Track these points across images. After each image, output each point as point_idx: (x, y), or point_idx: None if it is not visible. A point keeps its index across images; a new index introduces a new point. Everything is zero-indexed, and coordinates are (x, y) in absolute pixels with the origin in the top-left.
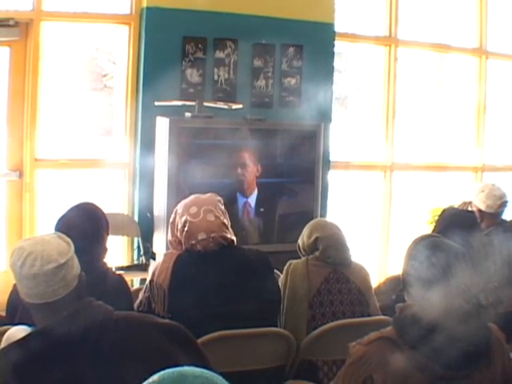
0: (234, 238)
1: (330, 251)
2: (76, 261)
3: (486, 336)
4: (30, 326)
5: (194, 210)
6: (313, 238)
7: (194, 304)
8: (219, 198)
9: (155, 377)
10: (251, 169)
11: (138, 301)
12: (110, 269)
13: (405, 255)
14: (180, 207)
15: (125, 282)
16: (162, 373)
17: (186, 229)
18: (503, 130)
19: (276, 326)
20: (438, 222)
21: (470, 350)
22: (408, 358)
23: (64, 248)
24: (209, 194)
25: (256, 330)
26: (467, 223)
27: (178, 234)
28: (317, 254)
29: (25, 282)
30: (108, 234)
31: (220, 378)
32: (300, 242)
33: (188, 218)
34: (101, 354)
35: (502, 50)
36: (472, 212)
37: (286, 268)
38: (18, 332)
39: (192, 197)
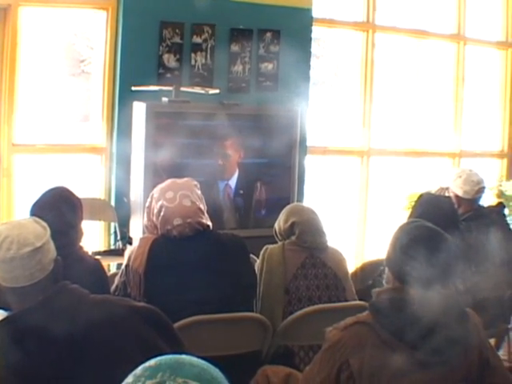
0: (209, 223)
1: (306, 236)
2: (52, 245)
3: (463, 322)
4: (6, 310)
5: (170, 194)
6: (289, 222)
7: (170, 289)
8: (195, 182)
9: (152, 361)
10: (232, 157)
11: (113, 285)
12: (86, 253)
13: (390, 241)
14: (156, 192)
15: (101, 267)
16: (158, 358)
17: (161, 214)
18: (481, 116)
19: (252, 311)
20: (414, 207)
21: (446, 334)
22: (384, 342)
23: (40, 232)
24: (185, 179)
25: (232, 315)
26: (444, 209)
27: (154, 219)
28: (293, 238)
29: (1, 265)
30: (82, 218)
31: (217, 369)
32: (276, 226)
33: (164, 202)
34: (76, 337)
35: (480, 36)
36: (449, 198)
37: (262, 253)
38: None
39: (168, 181)
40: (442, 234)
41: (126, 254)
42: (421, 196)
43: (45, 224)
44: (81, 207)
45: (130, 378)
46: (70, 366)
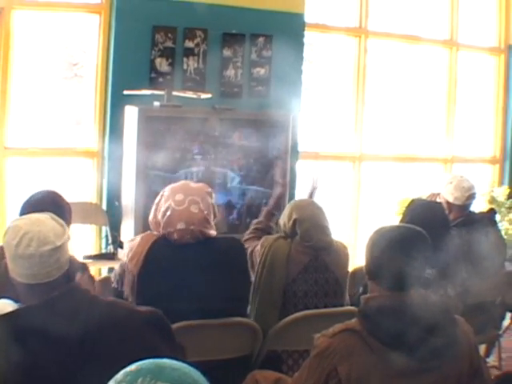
0: (214, 232)
1: (309, 234)
2: (69, 244)
3: (451, 328)
4: (16, 301)
5: (180, 197)
6: (292, 219)
7: (162, 296)
8: (209, 190)
9: (133, 366)
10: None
11: (112, 273)
12: (72, 257)
13: (366, 250)
14: (167, 190)
15: (87, 271)
16: (140, 363)
17: (167, 214)
18: (473, 121)
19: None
20: (405, 212)
21: (435, 342)
22: (372, 349)
23: (59, 230)
24: (200, 184)
25: (222, 321)
26: (435, 214)
27: (159, 217)
28: (298, 239)
29: (19, 261)
30: (71, 222)
31: (197, 372)
32: (281, 222)
33: (172, 204)
34: (82, 337)
35: (472, 41)
36: (440, 203)
37: (266, 245)
38: (4, 306)
39: (182, 182)
40: (419, 231)
41: (126, 246)
42: (412, 201)
43: (62, 222)
44: (69, 211)
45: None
46: (73, 366)
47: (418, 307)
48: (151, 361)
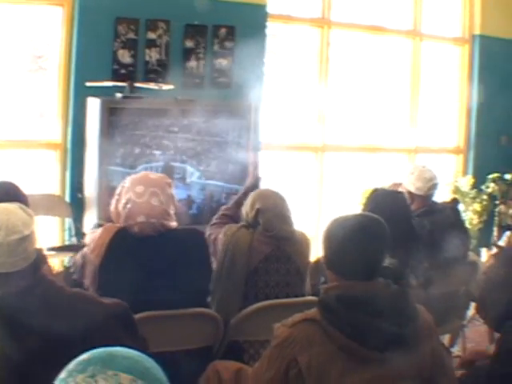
0: (174, 224)
1: (271, 224)
2: (36, 234)
3: (412, 317)
4: None
5: (140, 189)
6: (254, 209)
7: (123, 288)
8: (169, 180)
9: (85, 355)
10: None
11: (71, 262)
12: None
13: (324, 240)
14: (128, 181)
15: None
16: (92, 351)
17: (128, 206)
18: (437, 112)
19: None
20: (366, 202)
21: (395, 331)
22: (332, 339)
23: (27, 219)
24: (160, 175)
25: (183, 311)
26: (397, 204)
27: (120, 209)
28: (260, 228)
29: None
30: None
31: (150, 360)
32: (244, 211)
33: (132, 196)
34: (52, 329)
35: (436, 31)
36: (401, 193)
37: (228, 234)
38: None
39: (142, 173)
40: (377, 219)
41: (88, 237)
42: (373, 191)
43: (30, 211)
44: (26, 203)
45: (63, 374)
46: (40, 356)
47: (378, 296)
48: (103, 349)
